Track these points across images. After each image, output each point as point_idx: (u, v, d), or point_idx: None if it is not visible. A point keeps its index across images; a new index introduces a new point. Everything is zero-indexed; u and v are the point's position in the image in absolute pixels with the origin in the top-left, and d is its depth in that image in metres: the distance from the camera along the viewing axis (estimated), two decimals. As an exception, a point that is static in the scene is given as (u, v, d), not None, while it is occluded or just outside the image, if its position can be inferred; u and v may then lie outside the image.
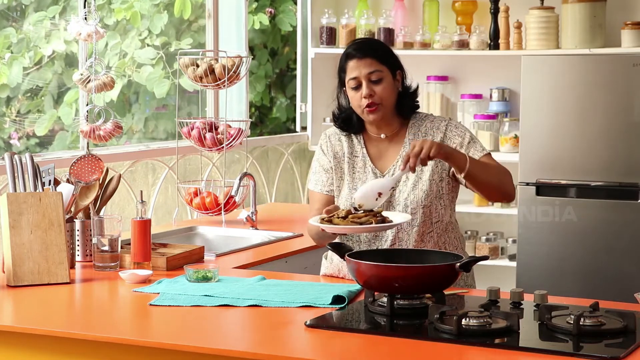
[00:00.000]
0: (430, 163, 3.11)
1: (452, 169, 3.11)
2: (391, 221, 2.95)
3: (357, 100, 3.13)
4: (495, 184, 3.10)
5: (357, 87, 3.12)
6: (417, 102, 3.24)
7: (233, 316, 2.76)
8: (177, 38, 5.15)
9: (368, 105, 3.11)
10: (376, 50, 3.16)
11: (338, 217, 2.96)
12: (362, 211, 2.97)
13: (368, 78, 3.11)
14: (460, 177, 3.05)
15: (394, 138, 3.20)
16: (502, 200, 3.21)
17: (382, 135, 3.20)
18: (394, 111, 3.18)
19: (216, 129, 4.38)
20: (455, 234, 3.21)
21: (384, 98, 3.12)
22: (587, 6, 4.85)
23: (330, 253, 3.26)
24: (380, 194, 3.00)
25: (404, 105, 3.19)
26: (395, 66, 3.17)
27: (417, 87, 3.24)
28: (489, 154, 3.16)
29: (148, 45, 4.97)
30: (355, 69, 3.12)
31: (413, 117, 3.22)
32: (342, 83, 3.20)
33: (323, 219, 2.97)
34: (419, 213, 3.12)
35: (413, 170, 2.93)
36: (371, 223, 2.92)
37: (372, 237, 3.15)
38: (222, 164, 4.75)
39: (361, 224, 2.92)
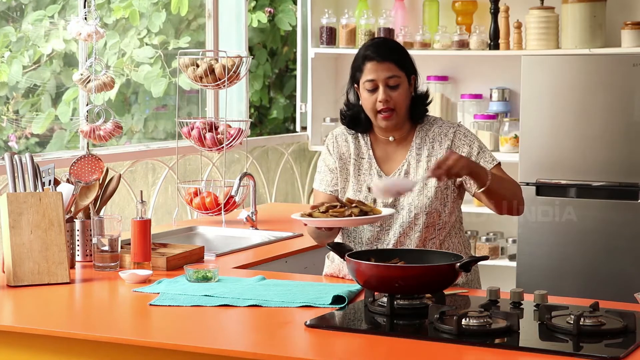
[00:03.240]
0: None
1: (460, 179, 3.11)
2: (372, 214, 2.97)
3: (372, 103, 3.10)
4: (508, 200, 3.07)
5: (373, 90, 3.09)
6: (427, 108, 3.23)
7: (233, 316, 2.76)
8: (175, 37, 5.15)
9: (383, 111, 3.08)
10: (396, 54, 3.11)
11: (319, 211, 2.96)
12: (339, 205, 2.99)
13: (386, 83, 3.08)
14: (477, 191, 3.05)
15: (402, 142, 3.19)
16: (511, 214, 3.14)
17: (391, 138, 3.19)
18: (405, 116, 3.17)
19: (216, 129, 4.37)
20: (458, 239, 3.19)
21: (398, 104, 3.10)
22: (587, 6, 4.85)
23: (332, 253, 3.26)
24: (399, 192, 3.01)
25: (416, 110, 3.17)
26: (410, 71, 3.14)
27: (428, 91, 3.23)
28: (499, 165, 3.14)
29: (147, 44, 4.97)
30: (374, 71, 3.08)
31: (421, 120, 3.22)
32: (354, 80, 3.17)
33: (305, 213, 2.98)
34: (422, 218, 3.11)
35: (440, 180, 2.92)
36: (351, 216, 2.93)
37: (374, 239, 3.14)
38: (222, 164, 4.75)
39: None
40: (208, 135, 4.32)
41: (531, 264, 4.55)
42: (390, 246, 3.12)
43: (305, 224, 3.00)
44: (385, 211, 3.03)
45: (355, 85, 3.16)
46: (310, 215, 2.97)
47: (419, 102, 3.18)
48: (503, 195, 3.05)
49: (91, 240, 3.38)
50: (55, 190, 3.30)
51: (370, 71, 3.09)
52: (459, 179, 3.12)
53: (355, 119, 3.19)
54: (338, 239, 3.22)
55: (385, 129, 3.16)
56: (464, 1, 5.33)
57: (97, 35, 3.84)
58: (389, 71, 3.08)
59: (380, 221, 3.08)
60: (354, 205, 2.98)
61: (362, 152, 3.20)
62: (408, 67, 3.13)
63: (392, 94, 3.08)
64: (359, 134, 3.21)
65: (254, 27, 5.79)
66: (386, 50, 3.12)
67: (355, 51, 3.26)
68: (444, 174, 2.88)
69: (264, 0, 5.92)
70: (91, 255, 3.38)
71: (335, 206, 2.99)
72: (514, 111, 5.22)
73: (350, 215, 2.93)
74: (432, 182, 3.11)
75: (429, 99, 3.21)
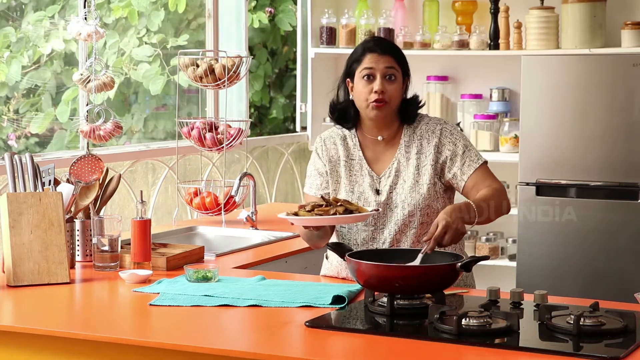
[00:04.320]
0: (428, 169, 3.11)
1: (447, 177, 3.13)
2: (358, 212, 2.96)
3: (366, 93, 3.11)
4: (493, 217, 3.06)
5: (370, 79, 3.10)
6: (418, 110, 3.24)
7: (233, 316, 2.75)
8: (175, 36, 5.15)
9: (376, 101, 3.10)
10: (396, 51, 3.16)
11: (305, 210, 2.96)
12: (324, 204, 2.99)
13: (384, 74, 3.09)
14: (462, 186, 3.10)
15: (390, 141, 3.19)
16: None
17: (380, 137, 3.19)
18: (396, 114, 3.17)
19: (216, 129, 4.37)
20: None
21: (393, 98, 3.11)
22: (587, 6, 4.85)
23: (330, 253, 3.26)
24: None
25: (408, 112, 3.18)
26: (406, 72, 3.17)
27: (417, 96, 3.23)
28: (485, 164, 3.15)
29: (146, 43, 4.98)
30: (374, 62, 3.09)
31: None
32: (349, 74, 3.17)
33: (290, 212, 2.98)
34: (416, 215, 3.11)
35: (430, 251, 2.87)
36: (336, 214, 2.92)
37: (369, 239, 3.14)
38: (222, 164, 4.75)
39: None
40: (208, 135, 4.32)
41: (531, 264, 4.55)
42: (386, 245, 3.12)
43: (292, 223, 3.00)
44: (369, 209, 3.04)
45: (348, 80, 3.17)
46: (296, 214, 2.97)
47: (411, 104, 3.18)
48: (488, 216, 3.04)
49: (91, 240, 3.38)
50: (55, 190, 3.30)
51: (370, 61, 3.11)
52: (446, 179, 3.14)
53: (344, 113, 3.20)
54: (334, 239, 3.22)
55: (376, 122, 3.15)
56: (464, 1, 5.33)
57: (97, 35, 3.83)
58: (389, 63, 3.10)
59: (365, 219, 3.07)
60: (339, 204, 2.98)
61: (352, 153, 3.20)
62: (404, 67, 3.16)
63: (388, 87, 3.10)
64: (347, 136, 3.21)
65: (255, 28, 5.79)
66: (387, 45, 3.17)
67: (355, 51, 3.26)
68: (434, 246, 2.86)
69: (265, 0, 5.92)
70: (91, 255, 3.38)
71: (320, 205, 2.99)
72: (514, 111, 5.22)
73: (335, 214, 2.94)
74: (424, 179, 3.12)
75: (421, 102, 3.21)
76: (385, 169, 3.17)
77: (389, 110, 3.13)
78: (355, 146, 3.20)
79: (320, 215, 2.94)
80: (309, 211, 2.97)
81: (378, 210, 3.06)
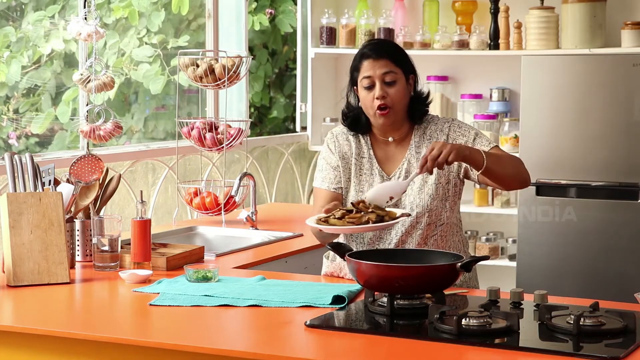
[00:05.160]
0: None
1: (464, 166, 3.10)
2: (388, 220, 2.93)
3: (369, 101, 3.10)
4: (511, 174, 3.05)
5: (370, 87, 3.09)
6: (428, 107, 3.23)
7: (233, 316, 2.76)
8: (175, 36, 5.15)
9: (380, 108, 3.08)
10: (392, 52, 3.13)
11: (334, 217, 2.93)
12: (355, 210, 2.93)
13: (382, 79, 3.08)
14: (477, 173, 3.01)
15: (401, 142, 3.19)
16: (519, 188, 3.15)
17: (390, 139, 3.19)
18: (404, 115, 3.17)
19: (216, 129, 4.37)
20: (458, 237, 3.20)
21: (396, 101, 3.10)
22: (587, 6, 4.85)
23: (332, 252, 3.25)
24: (391, 198, 2.98)
25: (416, 110, 3.17)
26: (409, 70, 3.14)
27: (429, 92, 3.23)
28: (496, 147, 3.13)
29: (146, 43, 4.98)
30: (370, 69, 3.09)
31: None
32: (353, 82, 3.17)
33: (320, 219, 2.94)
34: (424, 216, 3.11)
35: (430, 172, 2.91)
36: (368, 223, 2.89)
37: (376, 239, 3.14)
38: (222, 164, 4.75)
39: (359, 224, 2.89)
40: (208, 135, 4.32)
41: (531, 264, 4.55)
42: (392, 245, 3.12)
43: (320, 230, 2.94)
44: (399, 212, 2.98)
45: (355, 87, 3.17)
46: (326, 221, 2.91)
47: (418, 102, 3.18)
48: (504, 172, 3.03)
49: (91, 240, 3.38)
50: (55, 190, 3.30)
51: (366, 68, 3.10)
52: (457, 165, 3.11)
53: (356, 120, 3.20)
54: (339, 238, 3.22)
55: (384, 128, 3.16)
56: (464, 1, 5.33)
57: (97, 35, 3.84)
58: (385, 67, 3.09)
59: (394, 225, 3.04)
60: (370, 210, 2.92)
61: (363, 151, 3.20)
62: (405, 66, 3.14)
63: (388, 91, 3.09)
64: (359, 134, 3.21)
65: (255, 30, 5.79)
66: (382, 48, 3.15)
67: (355, 51, 3.26)
68: (432, 166, 2.88)
69: (265, 0, 5.92)
70: (91, 255, 3.38)
71: (350, 211, 2.93)
72: (514, 111, 5.22)
73: (367, 221, 2.87)
74: (432, 179, 3.11)
75: (429, 100, 3.21)
76: (395, 169, 3.17)
77: (395, 114, 3.12)
78: (367, 144, 3.20)
79: (352, 222, 2.90)
80: (339, 218, 2.91)
81: (409, 215, 3.02)
